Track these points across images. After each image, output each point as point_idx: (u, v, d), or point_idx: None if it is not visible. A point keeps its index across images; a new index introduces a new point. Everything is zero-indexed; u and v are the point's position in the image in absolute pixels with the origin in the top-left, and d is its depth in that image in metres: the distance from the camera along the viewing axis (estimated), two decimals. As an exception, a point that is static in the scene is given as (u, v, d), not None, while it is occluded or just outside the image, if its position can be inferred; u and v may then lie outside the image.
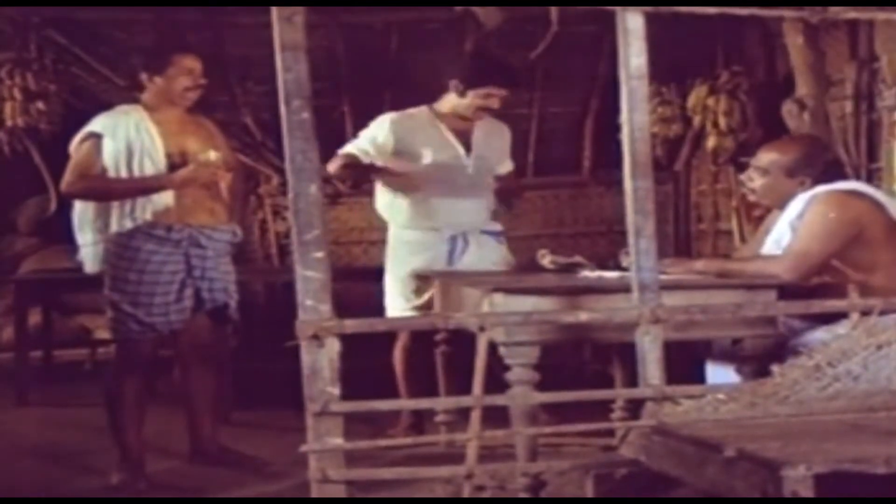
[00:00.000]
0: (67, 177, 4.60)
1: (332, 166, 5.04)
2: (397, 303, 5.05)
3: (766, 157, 4.15)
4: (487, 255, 5.09)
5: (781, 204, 4.09)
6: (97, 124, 4.59)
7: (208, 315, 4.69)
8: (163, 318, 4.53)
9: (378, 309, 5.18)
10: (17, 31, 7.28)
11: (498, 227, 5.24)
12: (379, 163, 5.06)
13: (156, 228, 4.51)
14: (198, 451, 4.77)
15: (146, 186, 4.52)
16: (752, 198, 4.28)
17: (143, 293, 4.49)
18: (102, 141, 4.53)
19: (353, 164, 5.07)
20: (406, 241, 5.14)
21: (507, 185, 5.29)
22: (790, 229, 3.94)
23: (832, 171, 4.09)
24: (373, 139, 5.09)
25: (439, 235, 5.07)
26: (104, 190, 4.56)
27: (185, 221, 4.55)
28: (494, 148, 5.24)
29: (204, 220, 4.61)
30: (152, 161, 4.53)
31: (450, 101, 5.11)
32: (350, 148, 5.12)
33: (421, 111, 5.18)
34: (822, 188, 3.97)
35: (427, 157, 5.03)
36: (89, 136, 4.57)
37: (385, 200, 5.21)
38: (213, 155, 4.57)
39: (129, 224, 4.50)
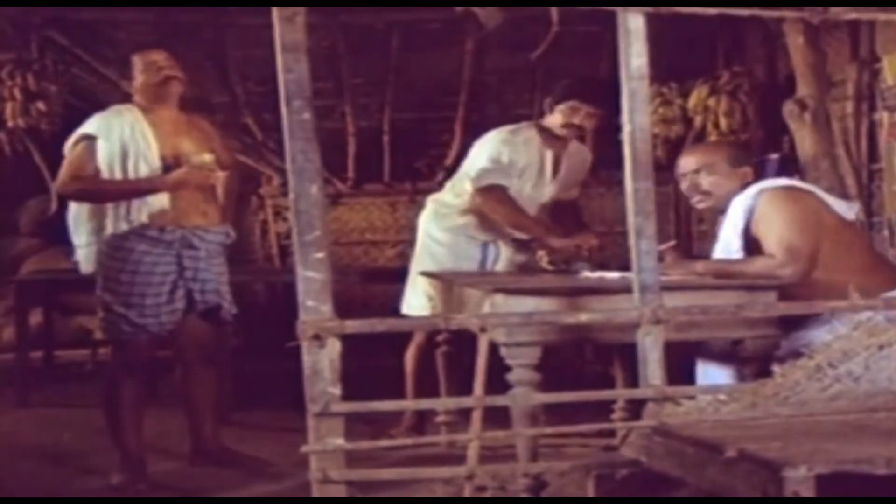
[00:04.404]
0: (61, 178, 4.61)
1: (503, 209, 4.91)
2: (419, 301, 5.01)
3: (701, 158, 4.12)
4: (517, 261, 5.08)
5: (726, 203, 4.01)
6: (91, 126, 4.57)
7: (201, 316, 4.67)
8: (154, 320, 4.51)
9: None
10: (18, 31, 7.29)
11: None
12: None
13: (149, 229, 4.49)
14: (199, 452, 4.77)
15: (139, 188, 4.51)
16: (702, 204, 4.14)
17: (135, 294, 4.48)
18: (96, 143, 4.52)
19: (518, 207, 4.95)
20: (440, 241, 5.13)
21: (561, 211, 5.23)
22: (739, 236, 3.89)
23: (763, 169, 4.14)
24: (513, 162, 4.96)
25: (473, 241, 5.09)
26: (97, 192, 4.55)
27: (179, 223, 4.54)
28: (573, 176, 5.22)
29: (197, 222, 4.59)
30: (146, 162, 4.52)
31: (547, 119, 5.06)
32: (503, 180, 4.93)
33: (531, 130, 5.09)
34: (762, 185, 3.93)
35: (523, 181, 5.00)
36: (83, 138, 4.56)
37: (447, 208, 5.16)
38: (206, 157, 4.56)
39: (124, 226, 4.49)
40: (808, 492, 2.26)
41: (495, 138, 5.04)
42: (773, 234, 3.83)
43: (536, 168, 5.06)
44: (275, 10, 2.83)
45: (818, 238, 3.81)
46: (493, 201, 4.93)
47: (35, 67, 7.28)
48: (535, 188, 5.08)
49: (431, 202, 5.28)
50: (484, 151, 5.01)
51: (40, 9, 7.01)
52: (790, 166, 4.37)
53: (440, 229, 5.16)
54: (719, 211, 4.08)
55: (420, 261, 5.17)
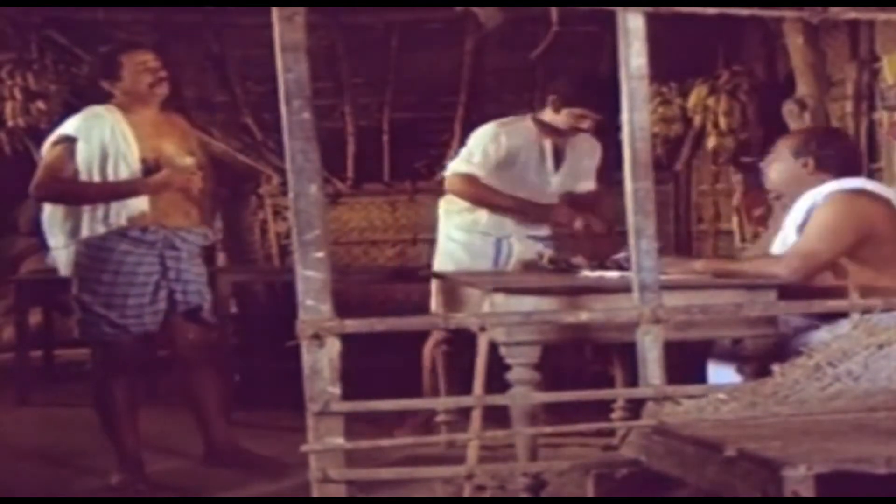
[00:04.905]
0: (38, 179, 4.54)
1: (472, 192, 5.06)
2: (439, 299, 5.03)
3: (780, 144, 4.19)
4: (527, 258, 5.11)
5: (791, 191, 4.05)
6: (70, 127, 4.53)
7: (183, 317, 4.63)
8: (136, 321, 4.49)
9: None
10: (18, 31, 7.29)
11: (545, 230, 5.22)
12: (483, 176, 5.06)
13: (130, 230, 4.46)
14: (212, 453, 4.75)
15: (120, 191, 4.47)
16: (769, 186, 4.27)
17: (116, 295, 4.46)
18: (76, 145, 4.47)
19: (490, 189, 5.07)
20: (456, 240, 5.20)
21: (578, 203, 5.25)
22: (796, 231, 3.92)
23: (845, 164, 4.03)
24: (486, 153, 5.07)
25: (487, 238, 5.15)
26: (76, 194, 4.51)
27: (161, 223, 4.51)
28: (582, 166, 5.26)
29: (179, 222, 4.56)
30: (126, 164, 4.47)
31: (548, 114, 5.12)
32: (475, 169, 5.06)
33: (526, 121, 5.19)
34: (829, 188, 3.93)
35: (522, 169, 5.08)
36: (62, 140, 4.52)
37: (457, 207, 5.22)
38: (188, 160, 4.54)
39: (101, 229, 4.44)
40: (807, 491, 2.26)
41: (483, 132, 5.15)
42: (805, 235, 3.86)
43: (536, 158, 5.11)
44: (274, 10, 2.83)
45: (862, 244, 3.81)
46: (458, 186, 5.09)
47: (35, 67, 7.27)
48: (539, 177, 5.13)
49: (443, 202, 5.33)
50: (469, 143, 5.15)
51: (40, 9, 7.00)
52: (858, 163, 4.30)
53: (455, 228, 5.23)
54: (789, 194, 4.09)
55: (439, 261, 5.24)
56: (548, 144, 5.12)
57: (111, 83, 4.58)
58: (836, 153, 4.02)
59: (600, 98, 5.07)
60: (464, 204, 5.17)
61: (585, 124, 5.04)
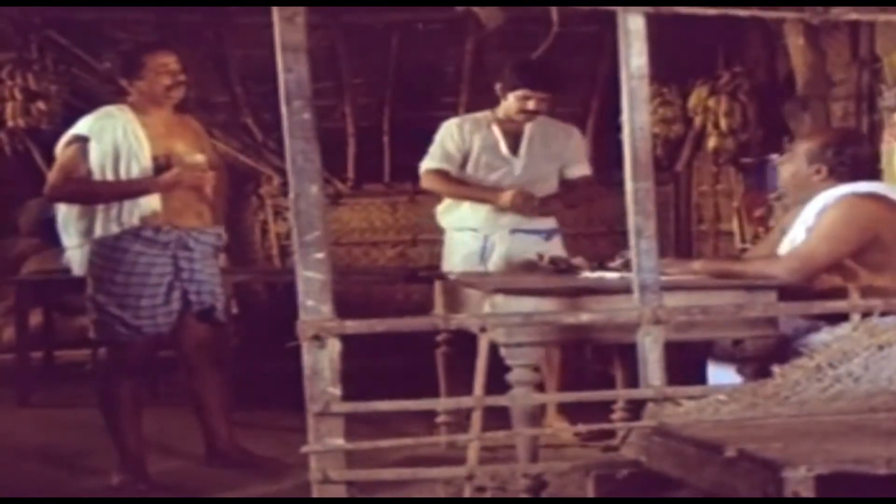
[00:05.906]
0: (52, 180, 4.56)
1: (438, 186, 5.28)
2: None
3: (795, 145, 4.18)
4: (519, 253, 5.13)
5: (803, 195, 4.02)
6: (83, 127, 4.54)
7: (198, 317, 4.65)
8: (149, 321, 4.49)
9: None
10: (19, 31, 7.29)
11: (544, 224, 5.26)
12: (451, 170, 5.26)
13: (143, 230, 4.47)
14: (215, 454, 4.75)
15: (131, 190, 4.48)
16: (779, 184, 4.27)
17: (130, 295, 4.46)
18: (88, 144, 4.48)
19: (454, 180, 5.25)
20: (450, 240, 5.34)
21: (571, 190, 5.35)
22: (805, 232, 3.89)
23: (858, 170, 3.98)
24: (445, 148, 5.26)
25: (476, 235, 5.24)
26: (89, 193, 4.52)
27: (174, 223, 4.52)
28: (553, 150, 5.31)
29: (192, 223, 4.57)
30: (138, 163, 4.48)
31: (500, 106, 5.27)
32: (438, 164, 5.26)
33: (483, 114, 5.38)
34: (842, 191, 3.90)
35: (477, 159, 5.23)
36: (75, 140, 4.52)
37: (444, 205, 5.40)
38: (198, 157, 4.54)
39: (115, 228, 4.45)
40: (807, 492, 2.26)
41: (444, 127, 5.33)
42: (809, 237, 3.84)
43: (490, 143, 5.26)
44: (275, 10, 2.83)
45: (868, 248, 3.80)
46: (428, 181, 5.30)
47: (35, 67, 7.28)
48: (504, 162, 5.24)
49: (439, 205, 5.44)
50: (435, 140, 5.32)
51: (40, 9, 7.01)
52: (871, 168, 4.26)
53: (451, 228, 5.35)
54: (801, 198, 4.05)
55: (444, 261, 5.35)
56: (498, 132, 5.25)
57: (129, 81, 4.60)
58: (850, 161, 3.96)
59: (542, 80, 5.23)
60: (448, 201, 5.32)
61: (531, 104, 5.15)
